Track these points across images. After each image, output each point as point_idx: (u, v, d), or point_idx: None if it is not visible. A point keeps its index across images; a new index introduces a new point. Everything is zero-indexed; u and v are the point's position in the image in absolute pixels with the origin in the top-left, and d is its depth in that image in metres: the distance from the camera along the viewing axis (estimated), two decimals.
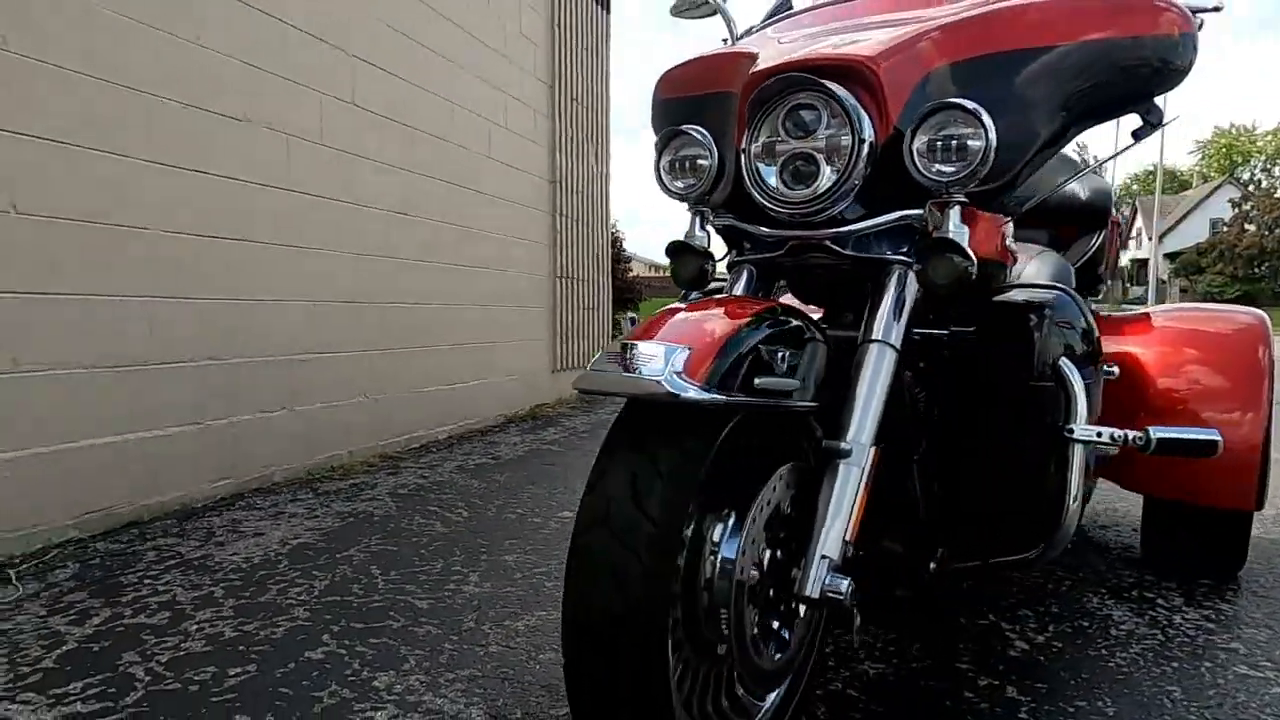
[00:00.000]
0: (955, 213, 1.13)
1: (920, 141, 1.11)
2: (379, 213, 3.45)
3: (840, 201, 1.16)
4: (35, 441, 2.11)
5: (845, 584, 1.00)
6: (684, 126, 1.29)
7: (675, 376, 0.86)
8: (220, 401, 2.69)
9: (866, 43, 1.17)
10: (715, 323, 0.94)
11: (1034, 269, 2.04)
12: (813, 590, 1.00)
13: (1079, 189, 2.32)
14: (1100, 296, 2.39)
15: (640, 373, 0.86)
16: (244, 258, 2.76)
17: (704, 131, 1.28)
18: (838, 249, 1.23)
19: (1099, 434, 1.25)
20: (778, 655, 1.06)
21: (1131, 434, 1.26)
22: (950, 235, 1.12)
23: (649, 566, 0.84)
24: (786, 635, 1.07)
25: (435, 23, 3.85)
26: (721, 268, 1.39)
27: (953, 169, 1.10)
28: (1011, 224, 1.53)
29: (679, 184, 1.31)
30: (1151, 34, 1.23)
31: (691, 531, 0.92)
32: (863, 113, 1.13)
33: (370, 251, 3.40)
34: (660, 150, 1.32)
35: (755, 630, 0.99)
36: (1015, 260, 1.53)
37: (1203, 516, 2.00)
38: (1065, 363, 1.27)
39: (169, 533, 2.26)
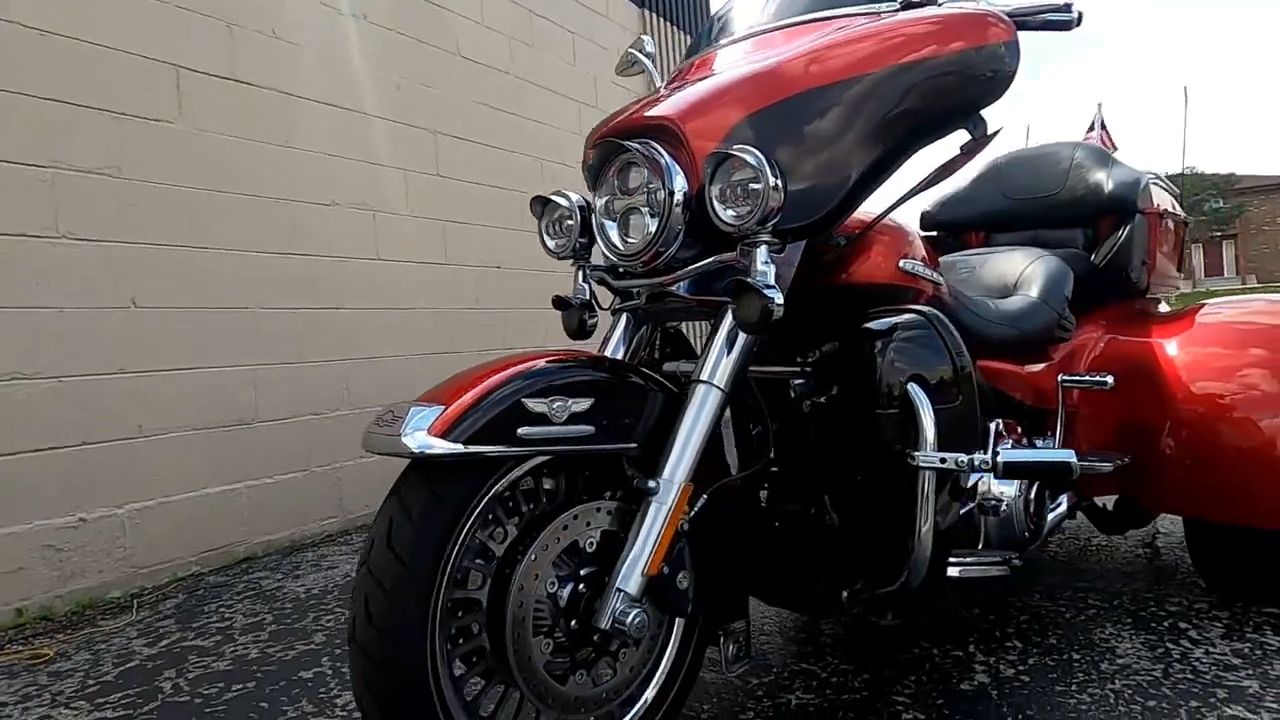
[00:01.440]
0: (760, 253, 1.17)
1: (715, 190, 1.16)
2: (470, 269, 3.78)
3: (665, 250, 1.23)
4: (160, 492, 2.56)
5: (633, 616, 1.07)
6: (550, 195, 1.42)
7: (418, 434, 0.98)
8: (323, 451, 3.08)
9: (682, 102, 1.24)
10: (482, 381, 1.05)
11: (1029, 275, 1.94)
12: (604, 621, 1.07)
13: (1105, 180, 2.15)
14: (1147, 290, 2.17)
15: (391, 432, 1.00)
16: (338, 325, 3.15)
17: (568, 195, 1.40)
18: (680, 294, 1.30)
19: (942, 459, 1.21)
20: (595, 684, 1.13)
21: (976, 457, 1.21)
22: (752, 276, 1.15)
23: (395, 601, 0.97)
24: (606, 665, 1.14)
25: (524, 91, 4.18)
26: None
27: (744, 212, 1.14)
28: (918, 244, 1.51)
29: (552, 244, 1.43)
30: (972, 47, 1.20)
31: (452, 568, 1.03)
32: (674, 167, 1.20)
33: (463, 304, 3.74)
34: (538, 216, 1.45)
35: (548, 658, 1.07)
36: (926, 281, 1.49)
37: (1252, 537, 1.78)
38: (913, 388, 1.24)
39: (268, 566, 2.64)
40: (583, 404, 1.10)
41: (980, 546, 1.61)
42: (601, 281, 1.42)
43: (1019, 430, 1.77)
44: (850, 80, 1.20)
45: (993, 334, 1.80)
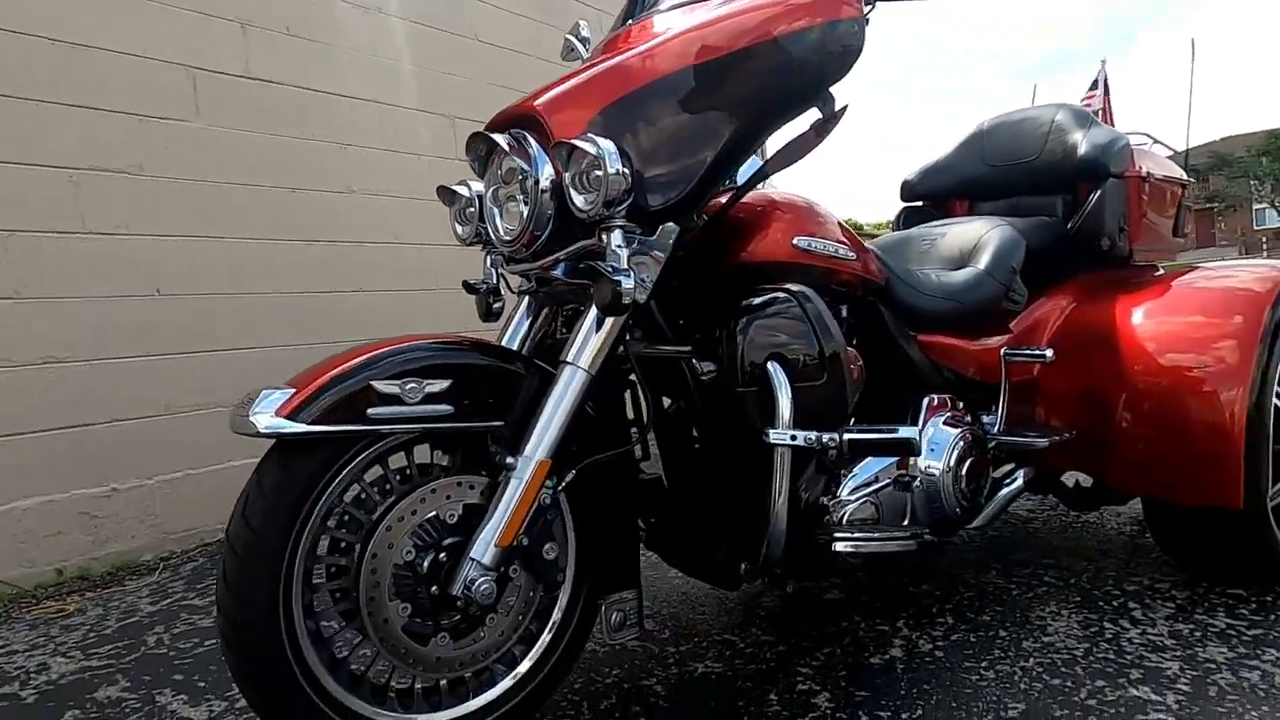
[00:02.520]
0: (614, 237, 1.20)
1: (569, 177, 1.21)
2: None
3: (539, 235, 1.28)
4: (187, 465, 2.78)
5: (480, 584, 1.15)
6: (453, 185, 1.48)
7: (265, 415, 1.07)
8: None
9: (552, 93, 1.28)
10: (338, 365, 1.13)
11: (980, 246, 1.89)
12: (455, 588, 1.15)
13: (1080, 143, 2.06)
14: (1130, 257, 2.07)
15: (243, 412, 1.09)
16: (357, 306, 3.31)
17: (469, 185, 1.46)
18: (562, 277, 1.35)
19: (793, 437, 1.22)
20: (461, 646, 1.21)
21: (825, 435, 1.22)
22: (602, 261, 1.19)
23: (246, 566, 1.07)
24: (472, 628, 1.22)
25: (550, 74, 4.24)
26: None
27: (594, 198, 1.18)
28: (822, 221, 1.51)
29: (460, 231, 1.50)
30: (820, 25, 1.19)
31: (310, 537, 1.12)
32: (542, 157, 1.24)
33: None
34: (448, 205, 1.52)
35: (406, 620, 1.16)
36: (829, 259, 1.49)
37: (1201, 516, 1.71)
38: (772, 367, 1.25)
39: None
40: (439, 385, 1.17)
41: (907, 522, 1.61)
42: (498, 266, 1.48)
43: (958, 405, 1.74)
44: (699, 66, 1.22)
45: (932, 308, 1.77)
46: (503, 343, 1.44)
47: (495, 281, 1.53)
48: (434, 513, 1.19)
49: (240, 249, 2.94)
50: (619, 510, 1.36)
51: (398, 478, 1.20)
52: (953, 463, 1.63)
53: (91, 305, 2.58)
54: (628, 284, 1.17)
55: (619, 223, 1.21)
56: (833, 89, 1.27)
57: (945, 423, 1.69)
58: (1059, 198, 2.15)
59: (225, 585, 1.07)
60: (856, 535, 1.40)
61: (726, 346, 1.28)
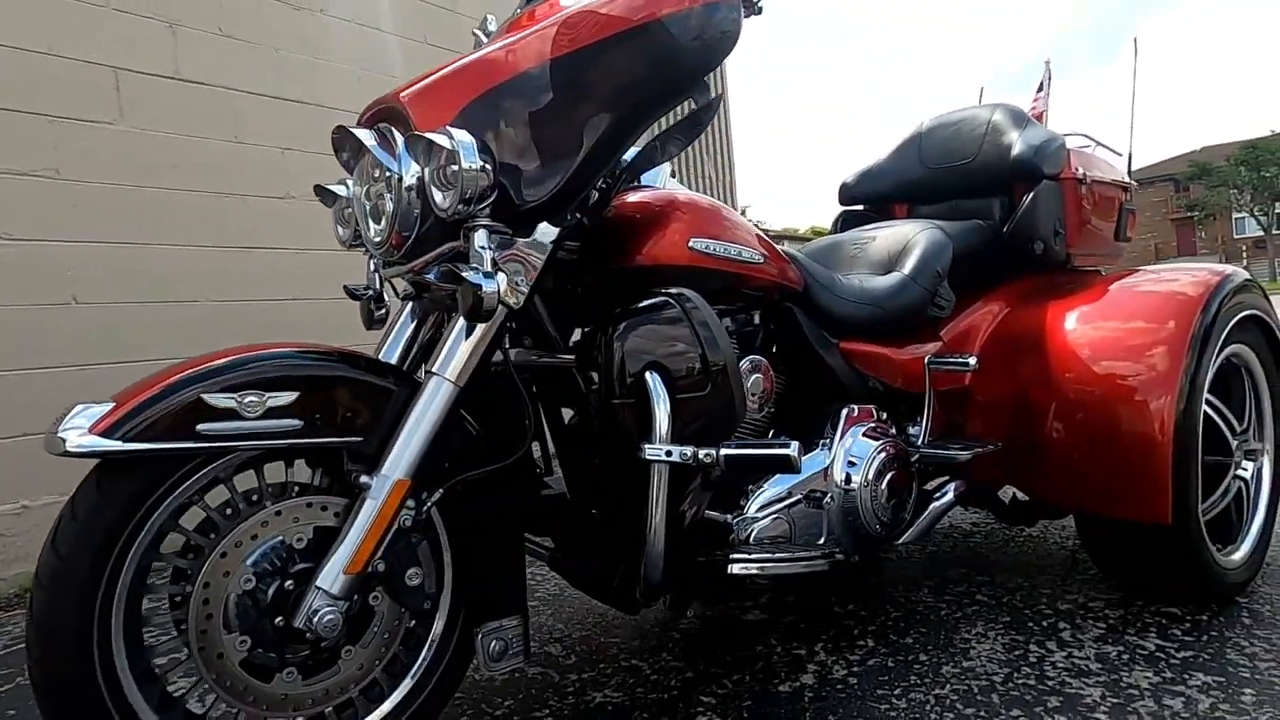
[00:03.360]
0: (478, 237, 1.12)
1: (427, 173, 1.12)
2: None
3: (407, 236, 1.19)
4: None
5: (323, 615, 1.05)
6: (332, 185, 1.39)
7: (75, 432, 0.98)
8: None
9: (421, 84, 1.20)
10: (167, 378, 1.04)
11: (907, 249, 1.82)
12: (299, 619, 1.06)
13: (1014, 144, 1.99)
14: (1068, 262, 2.01)
15: (56, 430, 1.00)
16: (298, 317, 3.21)
17: (347, 184, 1.37)
18: (436, 282, 1.26)
19: (668, 452, 1.14)
20: (312, 682, 1.11)
21: (702, 451, 1.13)
22: (465, 265, 1.10)
23: (54, 600, 0.97)
24: (325, 662, 1.12)
25: None
26: None
27: (452, 196, 1.09)
28: (725, 223, 1.43)
29: (342, 233, 1.40)
30: (694, 9, 1.11)
31: (133, 566, 1.02)
32: (405, 152, 1.16)
33: None
34: (329, 206, 1.43)
35: (245, 655, 1.06)
36: (732, 262, 1.41)
37: (1131, 531, 1.63)
38: (650, 377, 1.17)
39: None
40: (284, 398, 1.07)
41: (822, 540, 1.52)
42: (377, 270, 1.40)
43: (880, 416, 1.66)
44: (571, 56, 1.14)
45: (852, 314, 1.70)
46: (381, 352, 1.35)
47: (379, 287, 1.43)
48: (279, 538, 1.09)
49: (167, 255, 2.84)
50: (500, 531, 1.27)
51: (246, 500, 1.11)
52: (871, 476, 1.55)
53: (2, 314, 2.47)
54: (490, 288, 1.08)
55: (483, 222, 1.12)
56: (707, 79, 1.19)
57: (865, 434, 1.61)
58: (996, 200, 2.08)
59: (32, 621, 0.98)
60: (755, 556, 1.31)
61: (603, 355, 1.19)
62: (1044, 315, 1.79)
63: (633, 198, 1.42)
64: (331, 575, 1.07)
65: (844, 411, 1.61)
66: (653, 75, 1.16)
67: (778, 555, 1.36)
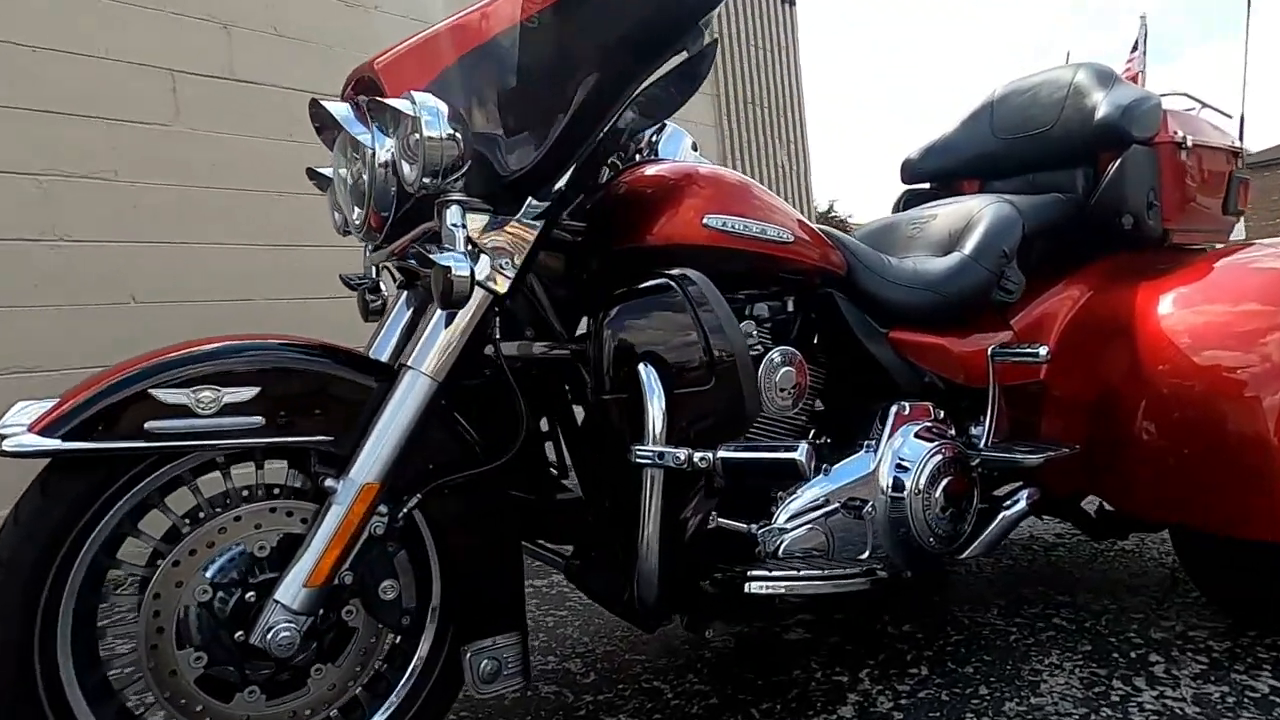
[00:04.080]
0: (451, 213, 1.01)
1: (395, 145, 1.01)
2: None
3: (386, 216, 1.10)
4: None
5: (278, 632, 0.96)
6: (321, 169, 1.31)
7: (18, 431, 0.91)
8: None
9: (396, 52, 1.10)
10: (119, 370, 0.96)
11: (969, 227, 1.62)
12: (254, 636, 0.97)
13: (1099, 106, 1.76)
14: (1165, 238, 1.75)
15: (3, 425, 0.93)
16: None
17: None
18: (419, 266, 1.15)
19: (659, 455, 0.99)
20: (277, 702, 1.02)
21: (697, 454, 0.98)
22: (437, 247, 0.99)
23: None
24: (292, 681, 1.03)
25: None
26: None
27: (417, 169, 0.98)
28: (740, 196, 1.28)
29: (336, 219, 1.32)
30: None
31: (81, 572, 0.95)
32: (376, 126, 1.06)
33: None
34: (322, 190, 1.35)
35: (202, 672, 0.97)
36: (757, 240, 1.25)
37: (1242, 550, 1.39)
38: (645, 369, 1.02)
39: None
40: (243, 394, 0.99)
41: (866, 555, 1.35)
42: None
43: (937, 414, 1.48)
44: (544, 11, 1.01)
45: (905, 301, 1.52)
46: (373, 345, 1.26)
47: (376, 276, 1.34)
48: (239, 545, 1.01)
49: (222, 254, 2.86)
50: (491, 539, 1.15)
51: (212, 504, 1.03)
52: (923, 482, 1.37)
53: (63, 314, 2.53)
54: (462, 270, 0.97)
55: (455, 197, 1.01)
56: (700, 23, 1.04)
57: (918, 435, 1.43)
58: (1079, 171, 1.84)
59: None
60: (779, 574, 1.15)
61: (594, 345, 1.06)
62: (1133, 298, 1.56)
63: (648, 171, 1.29)
64: (291, 588, 0.98)
65: (893, 409, 1.44)
66: (641, 21, 1.02)
67: (808, 573, 1.20)
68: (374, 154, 1.05)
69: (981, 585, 1.81)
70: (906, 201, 2.14)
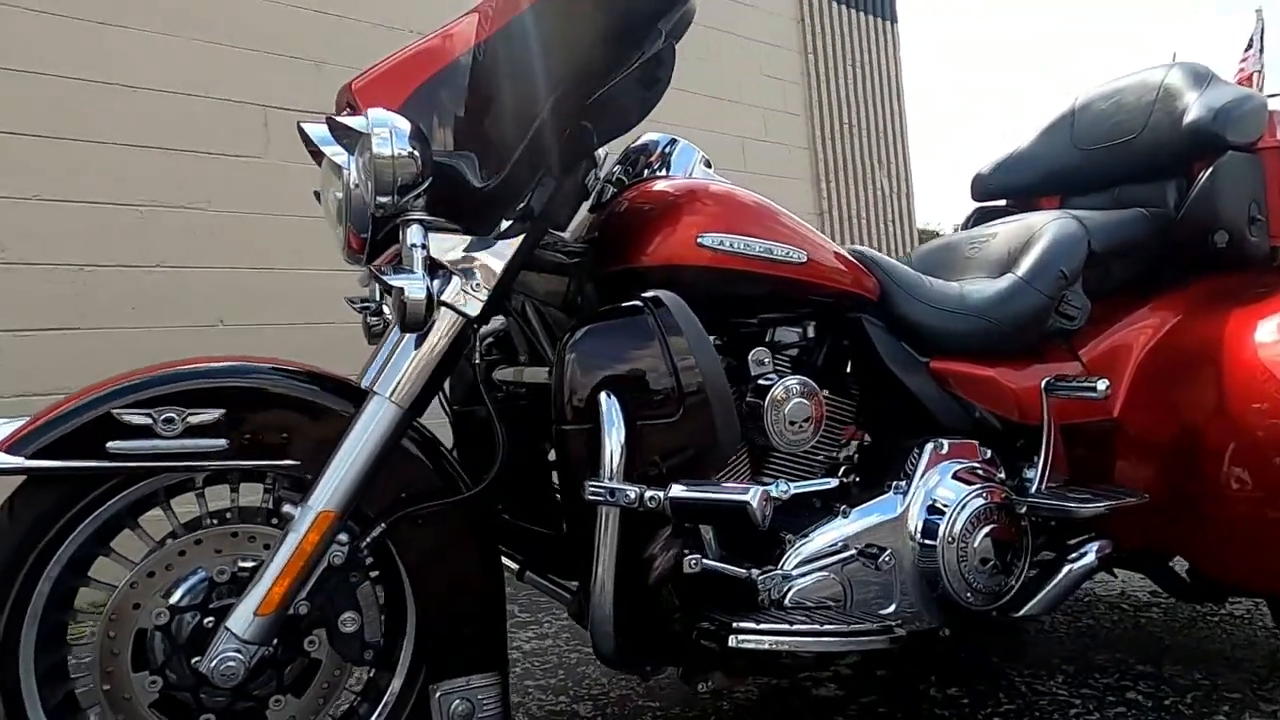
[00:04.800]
0: (410, 233, 0.98)
1: (357, 165, 0.99)
2: None
3: (364, 237, 1.07)
4: None
5: (221, 661, 0.94)
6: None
7: None
8: None
9: (376, 71, 1.09)
10: (85, 392, 0.97)
11: (1028, 246, 1.46)
12: (205, 664, 0.95)
13: (1192, 108, 1.55)
14: (1275, 258, 1.53)
15: None
16: None
17: None
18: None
19: (610, 492, 0.90)
20: None
21: (649, 492, 0.89)
22: (394, 268, 0.96)
23: None
24: (251, 711, 1.00)
25: None
26: None
27: (372, 187, 0.95)
28: (746, 212, 1.19)
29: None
30: None
31: (45, 591, 0.95)
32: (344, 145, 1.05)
33: None
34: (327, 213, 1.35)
35: (155, 696, 0.96)
36: (761, 260, 1.16)
37: None
38: (605, 398, 0.94)
39: None
40: (207, 416, 0.98)
41: (892, 609, 1.22)
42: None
43: (983, 454, 1.33)
44: (506, 27, 0.98)
45: (948, 328, 1.38)
46: (365, 369, 1.24)
47: (379, 299, 1.33)
48: (199, 570, 0.99)
49: (307, 279, 2.98)
50: (472, 572, 1.10)
51: (185, 526, 1.02)
52: (958, 529, 1.23)
53: (158, 335, 2.69)
54: (416, 292, 0.93)
55: (415, 216, 0.98)
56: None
57: (957, 476, 1.29)
58: (1170, 183, 1.64)
59: None
60: (767, 628, 1.04)
61: (555, 372, 0.99)
62: (1223, 327, 1.36)
63: (649, 188, 1.22)
64: (242, 617, 0.95)
65: (929, 446, 1.30)
66: (597, 27, 0.96)
67: (806, 627, 1.08)
68: (348, 174, 1.03)
69: (1050, 646, 1.61)
70: (976, 221, 1.97)
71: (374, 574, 1.10)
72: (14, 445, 0.93)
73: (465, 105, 1.01)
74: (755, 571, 1.14)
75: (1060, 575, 1.36)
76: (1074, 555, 1.38)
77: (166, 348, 2.65)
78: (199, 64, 2.79)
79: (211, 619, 0.98)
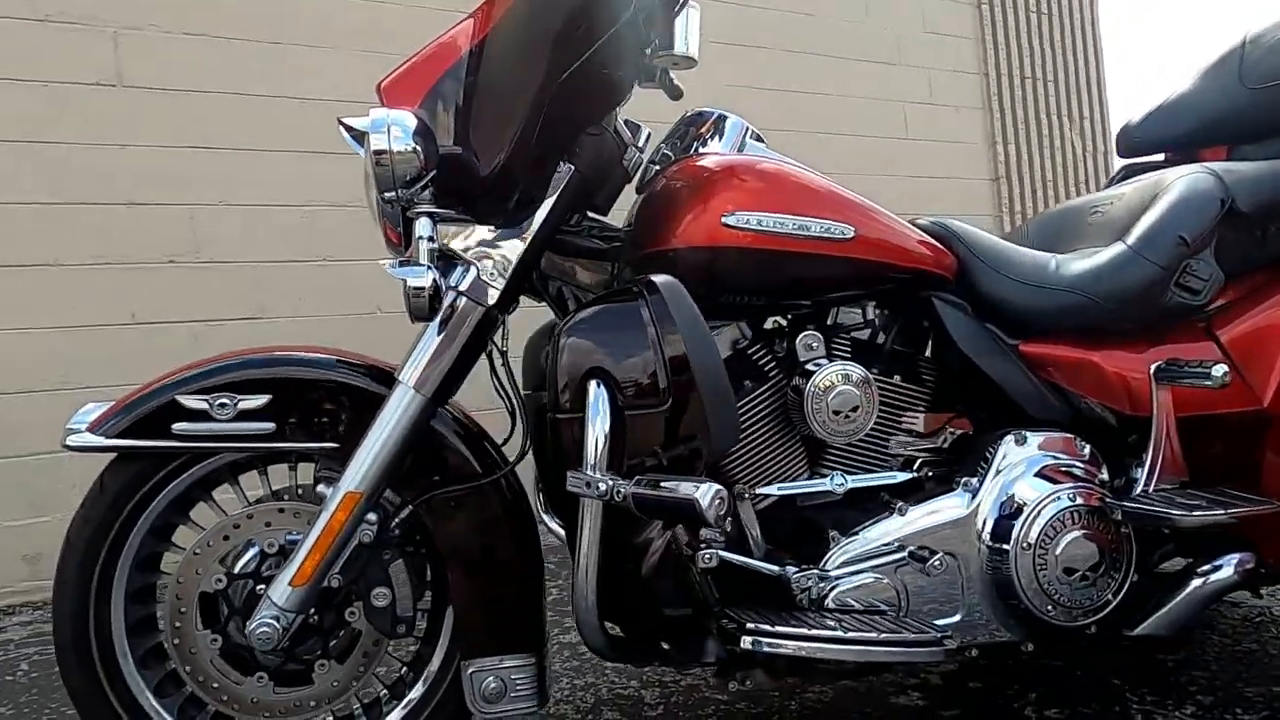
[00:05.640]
0: (418, 225, 1.01)
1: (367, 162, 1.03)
2: None
3: (400, 232, 1.12)
4: None
5: (259, 625, 1.02)
6: None
7: (80, 429, 1.06)
8: None
9: (399, 68, 1.12)
10: (160, 379, 1.09)
11: (1153, 206, 1.27)
12: (248, 628, 1.04)
13: None
14: None
15: (69, 424, 1.09)
16: None
17: None
18: None
19: (587, 483, 0.87)
20: (285, 693, 1.08)
21: (616, 486, 0.84)
22: (408, 257, 0.99)
23: (61, 575, 1.06)
24: (299, 673, 1.08)
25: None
26: None
27: (379, 182, 0.99)
28: (778, 187, 1.12)
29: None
30: None
31: (130, 552, 1.08)
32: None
33: None
34: None
35: (215, 653, 1.06)
36: (800, 239, 1.08)
37: None
38: (594, 387, 0.91)
39: None
40: (255, 401, 1.07)
41: (957, 619, 1.12)
42: None
43: (1079, 449, 1.18)
44: (502, 18, 0.97)
45: (1041, 305, 1.24)
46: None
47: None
48: (252, 542, 1.09)
49: None
50: (504, 555, 1.13)
51: (249, 501, 1.13)
52: (1034, 534, 1.10)
53: (323, 324, 2.97)
54: (417, 281, 0.97)
55: (423, 209, 1.01)
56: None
57: (1042, 474, 1.15)
58: None
59: (55, 603, 1.09)
60: (783, 631, 0.97)
61: (549, 361, 0.98)
62: None
63: (685, 166, 1.18)
64: (280, 586, 1.04)
65: (1008, 439, 1.17)
66: (580, 31, 0.94)
67: (838, 634, 1.00)
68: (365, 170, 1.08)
69: (1192, 672, 1.40)
70: (1123, 180, 1.72)
71: (421, 551, 1.16)
72: (100, 427, 1.06)
73: (471, 97, 1.03)
74: (792, 570, 1.08)
75: (1186, 591, 1.18)
76: (1206, 569, 1.19)
77: (331, 335, 2.93)
78: (355, 77, 3.02)
79: (263, 586, 1.08)
